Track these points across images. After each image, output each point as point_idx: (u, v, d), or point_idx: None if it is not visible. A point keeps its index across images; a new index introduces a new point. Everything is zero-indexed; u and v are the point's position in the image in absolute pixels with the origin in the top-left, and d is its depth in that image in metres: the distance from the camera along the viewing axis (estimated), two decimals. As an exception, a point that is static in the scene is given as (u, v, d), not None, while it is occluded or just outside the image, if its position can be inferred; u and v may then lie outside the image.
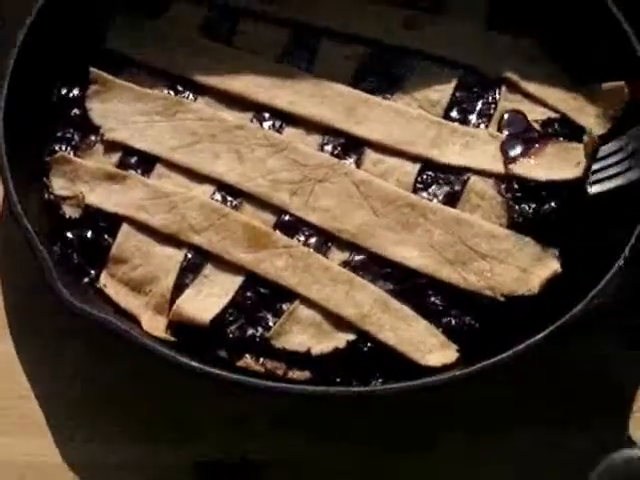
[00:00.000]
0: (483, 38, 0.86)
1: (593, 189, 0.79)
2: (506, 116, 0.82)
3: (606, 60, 0.82)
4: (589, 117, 0.82)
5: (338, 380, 0.73)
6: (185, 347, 0.73)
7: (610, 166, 0.79)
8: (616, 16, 0.81)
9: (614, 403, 0.78)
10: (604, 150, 0.80)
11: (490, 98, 0.83)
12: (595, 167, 0.80)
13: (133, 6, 0.87)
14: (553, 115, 0.82)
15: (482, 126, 0.82)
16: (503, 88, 0.83)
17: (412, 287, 0.76)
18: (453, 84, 0.84)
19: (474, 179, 0.79)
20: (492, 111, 0.82)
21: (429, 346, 0.74)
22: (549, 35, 0.85)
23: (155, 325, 0.74)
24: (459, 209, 0.78)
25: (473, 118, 0.82)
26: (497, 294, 0.75)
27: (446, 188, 0.79)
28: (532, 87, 0.84)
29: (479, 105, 0.83)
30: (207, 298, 0.75)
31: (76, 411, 0.77)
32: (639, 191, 0.77)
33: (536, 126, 0.81)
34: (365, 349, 0.74)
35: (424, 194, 0.79)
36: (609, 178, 0.79)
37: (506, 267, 0.76)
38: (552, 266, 0.76)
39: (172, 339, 0.73)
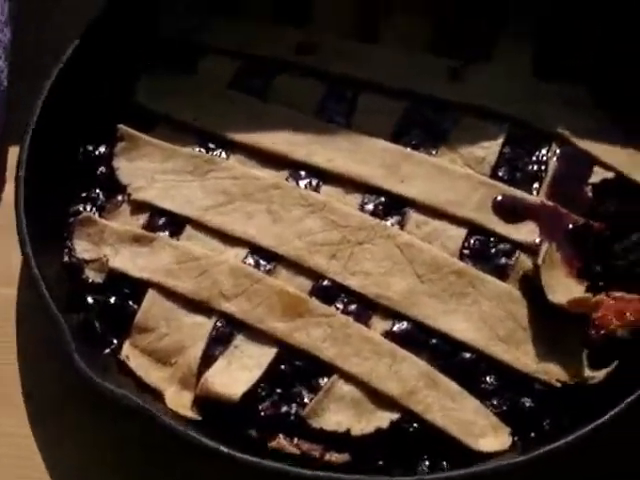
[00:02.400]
0: (531, 88, 0.81)
1: None
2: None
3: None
4: (647, 174, 0.76)
5: (381, 463, 0.67)
6: (213, 425, 0.67)
7: None
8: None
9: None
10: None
11: (541, 156, 0.78)
12: None
13: (163, 59, 0.84)
14: (609, 175, 0.76)
15: (534, 190, 0.76)
16: (554, 145, 0.78)
17: (461, 362, 0.70)
18: (500, 140, 0.78)
19: (523, 257, 0.73)
20: (543, 173, 0.76)
21: (480, 428, 0.67)
22: (600, 84, 0.80)
23: (180, 402, 0.68)
24: (509, 284, 0.72)
25: (523, 179, 0.76)
26: (552, 379, 0.68)
27: (495, 259, 0.73)
28: (584, 143, 0.78)
29: (529, 164, 0.77)
30: (237, 371, 0.69)
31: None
32: None
33: (588, 191, 0.75)
34: (410, 429, 0.68)
35: (471, 262, 0.73)
36: None
37: (560, 354, 0.69)
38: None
39: (198, 418, 0.67)
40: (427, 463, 0.67)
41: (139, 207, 0.77)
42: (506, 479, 0.65)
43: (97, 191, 0.78)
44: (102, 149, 0.80)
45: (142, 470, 0.71)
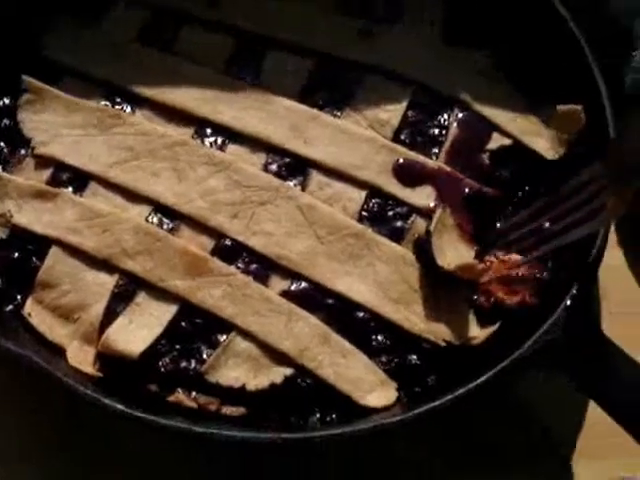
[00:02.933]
0: (438, 53, 0.83)
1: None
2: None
3: (563, 82, 0.79)
4: (543, 141, 0.80)
5: (275, 416, 0.71)
6: (114, 380, 0.70)
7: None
8: (577, 37, 0.78)
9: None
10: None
11: (443, 120, 0.80)
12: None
13: (71, 9, 0.82)
14: (506, 142, 0.79)
15: (433, 154, 0.78)
16: (456, 110, 0.80)
17: (354, 321, 0.73)
18: (404, 103, 0.80)
19: (419, 220, 0.76)
20: (443, 138, 0.79)
21: (369, 384, 0.71)
22: (506, 53, 0.82)
23: (82, 357, 0.70)
24: (404, 247, 0.75)
25: (424, 143, 0.79)
26: (439, 339, 0.73)
27: (392, 222, 0.76)
28: (486, 110, 0.80)
29: (431, 128, 0.79)
30: (138, 328, 0.71)
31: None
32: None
33: (485, 158, 0.78)
34: (303, 385, 0.71)
35: (369, 224, 0.76)
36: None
37: (448, 315, 0.73)
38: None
39: (99, 375, 0.70)
40: (318, 416, 0.71)
41: (43, 162, 0.77)
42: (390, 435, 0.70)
43: (1, 144, 0.78)
44: (6, 101, 0.79)
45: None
